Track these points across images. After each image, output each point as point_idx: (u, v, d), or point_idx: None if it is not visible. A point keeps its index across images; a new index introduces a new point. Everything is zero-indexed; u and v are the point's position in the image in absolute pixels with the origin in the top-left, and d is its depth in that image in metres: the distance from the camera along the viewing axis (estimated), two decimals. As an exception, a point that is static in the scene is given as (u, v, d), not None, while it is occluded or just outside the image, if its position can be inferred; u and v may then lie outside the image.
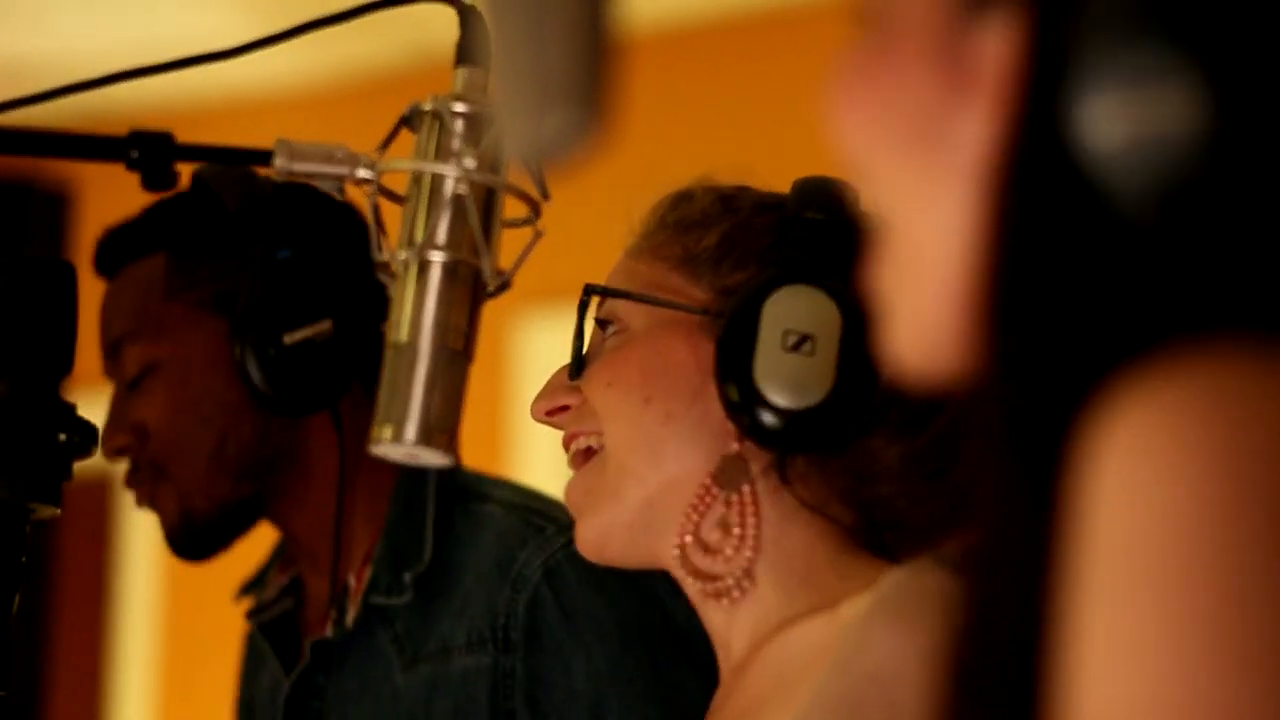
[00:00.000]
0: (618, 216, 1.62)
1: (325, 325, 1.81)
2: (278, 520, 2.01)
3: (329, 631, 1.96)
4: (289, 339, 1.83)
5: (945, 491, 1.52)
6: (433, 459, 1.29)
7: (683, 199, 1.59)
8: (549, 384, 1.59)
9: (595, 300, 1.59)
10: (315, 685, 1.98)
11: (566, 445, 1.58)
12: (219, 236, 1.94)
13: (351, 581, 1.96)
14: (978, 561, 0.77)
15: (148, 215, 2.00)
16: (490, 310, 1.32)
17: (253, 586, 2.10)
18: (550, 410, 1.57)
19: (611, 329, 1.57)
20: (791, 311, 1.48)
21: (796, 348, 1.48)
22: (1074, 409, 0.72)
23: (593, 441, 1.55)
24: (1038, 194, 0.75)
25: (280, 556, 2.09)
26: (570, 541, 1.86)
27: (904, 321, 0.82)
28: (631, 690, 1.83)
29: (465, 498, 1.96)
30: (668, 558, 1.53)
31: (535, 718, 1.85)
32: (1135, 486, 0.69)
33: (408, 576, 1.92)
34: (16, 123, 1.42)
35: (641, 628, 1.82)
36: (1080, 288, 0.73)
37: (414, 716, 1.91)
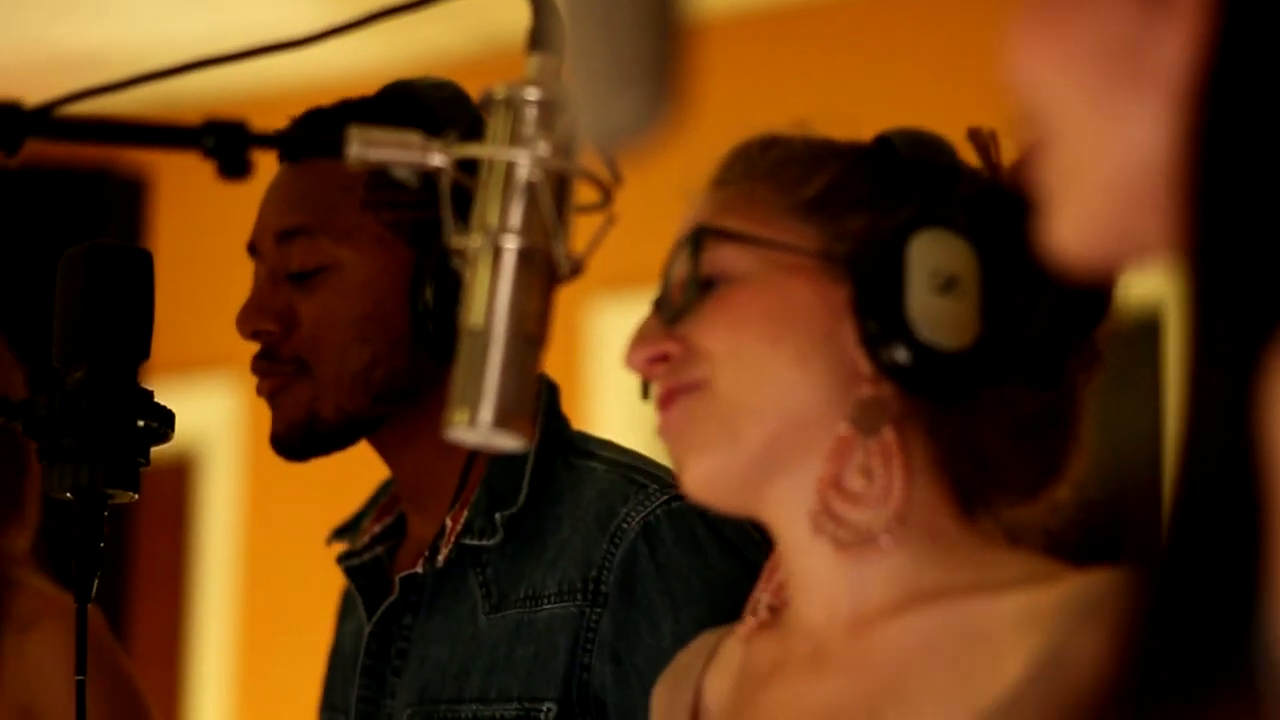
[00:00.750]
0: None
1: None
2: (388, 450, 2.02)
3: (420, 568, 1.97)
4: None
5: (1045, 453, 1.50)
6: (507, 443, 1.29)
7: (771, 144, 1.54)
8: (644, 330, 1.51)
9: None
10: (401, 625, 2.00)
11: (666, 398, 1.49)
12: None
13: (448, 524, 1.97)
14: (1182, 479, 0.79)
15: (352, 117, 1.96)
16: (563, 295, 1.32)
17: (345, 531, 2.11)
18: (652, 358, 1.49)
19: (711, 263, 1.50)
20: (936, 253, 1.45)
21: (946, 289, 1.45)
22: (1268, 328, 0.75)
23: (688, 381, 1.48)
24: (1243, 106, 0.77)
25: (376, 504, 2.10)
26: (671, 500, 1.88)
27: (1072, 216, 0.86)
28: None
29: (568, 451, 1.98)
30: (775, 505, 1.48)
31: (616, 674, 1.86)
32: None
33: (499, 517, 1.94)
34: (92, 112, 1.43)
35: (730, 591, 1.82)
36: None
37: (494, 659, 1.92)
